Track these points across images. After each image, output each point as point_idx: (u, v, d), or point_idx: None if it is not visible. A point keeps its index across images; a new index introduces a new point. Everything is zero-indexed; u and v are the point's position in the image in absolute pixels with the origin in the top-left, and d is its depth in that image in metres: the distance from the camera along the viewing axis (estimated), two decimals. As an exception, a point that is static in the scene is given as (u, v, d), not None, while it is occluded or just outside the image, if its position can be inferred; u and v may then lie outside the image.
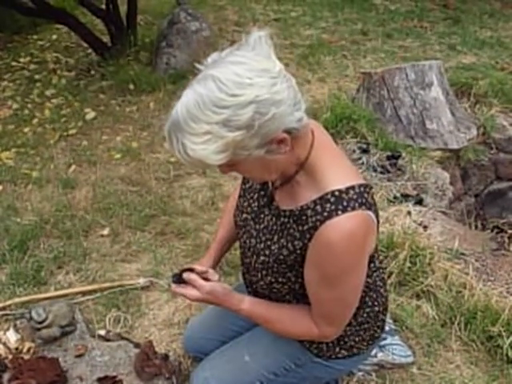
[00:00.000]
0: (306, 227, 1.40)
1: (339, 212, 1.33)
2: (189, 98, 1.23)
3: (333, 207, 1.34)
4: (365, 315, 1.67)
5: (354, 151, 3.71)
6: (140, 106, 4.75)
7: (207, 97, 1.20)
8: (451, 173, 3.87)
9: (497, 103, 4.49)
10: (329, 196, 1.36)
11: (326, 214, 1.34)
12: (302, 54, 5.69)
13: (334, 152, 1.50)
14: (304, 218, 1.40)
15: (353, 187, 1.37)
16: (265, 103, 1.20)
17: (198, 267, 1.62)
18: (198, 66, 1.29)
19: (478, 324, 2.30)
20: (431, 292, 2.49)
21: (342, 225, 1.33)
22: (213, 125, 1.21)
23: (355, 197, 1.35)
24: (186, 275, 1.57)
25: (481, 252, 2.91)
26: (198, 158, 1.25)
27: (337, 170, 1.42)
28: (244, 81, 1.20)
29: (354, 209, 1.33)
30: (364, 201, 1.36)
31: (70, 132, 4.32)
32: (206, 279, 1.59)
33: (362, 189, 1.38)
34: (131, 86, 5.03)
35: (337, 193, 1.35)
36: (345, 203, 1.34)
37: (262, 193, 1.60)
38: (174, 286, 1.61)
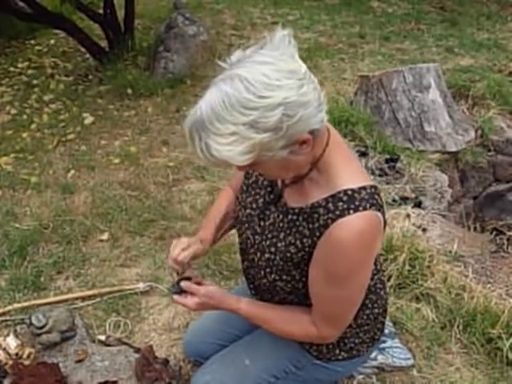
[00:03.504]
0: (316, 225, 1.40)
1: (351, 211, 1.33)
2: (214, 97, 1.21)
3: (345, 206, 1.34)
4: (365, 317, 1.67)
5: (352, 154, 3.71)
6: (138, 111, 4.76)
7: (234, 97, 1.18)
8: (450, 175, 3.88)
9: (494, 105, 4.51)
10: (341, 195, 1.36)
11: (338, 212, 1.34)
12: (300, 57, 5.67)
13: (345, 151, 1.50)
14: (315, 215, 1.40)
15: (364, 188, 1.37)
16: (293, 105, 1.20)
17: (194, 277, 1.63)
18: (221, 64, 1.26)
19: (477, 326, 2.30)
20: (431, 295, 2.49)
21: (353, 224, 1.33)
22: (239, 126, 1.19)
23: (367, 197, 1.35)
24: (183, 284, 1.59)
25: (480, 254, 2.92)
26: (222, 159, 1.23)
27: (349, 170, 1.42)
28: (272, 82, 1.19)
29: (365, 209, 1.34)
30: (375, 202, 1.36)
31: (69, 137, 4.32)
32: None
33: (372, 190, 1.38)
34: (129, 91, 5.03)
35: (349, 192, 1.36)
36: (357, 203, 1.34)
37: (269, 189, 1.60)
38: (175, 297, 1.62)
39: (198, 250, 1.68)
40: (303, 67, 1.26)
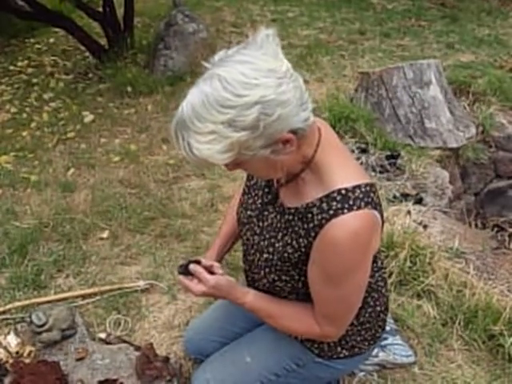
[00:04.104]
0: (311, 225, 1.39)
1: (345, 210, 1.32)
2: (194, 97, 1.22)
3: (339, 205, 1.33)
4: (366, 315, 1.66)
5: (353, 151, 3.71)
6: (138, 109, 4.76)
7: (212, 96, 1.19)
8: (450, 172, 3.87)
9: (495, 101, 4.50)
10: (335, 194, 1.35)
11: (331, 212, 1.34)
12: (300, 54, 5.69)
13: (340, 150, 1.50)
14: (309, 215, 1.40)
15: (359, 186, 1.36)
16: (270, 104, 1.19)
17: (203, 260, 1.63)
18: (204, 64, 1.27)
19: (479, 323, 2.29)
20: (432, 291, 2.48)
21: (348, 223, 1.33)
22: (218, 124, 1.20)
23: (361, 196, 1.35)
24: (192, 266, 1.57)
25: (481, 251, 2.91)
26: (202, 158, 1.24)
27: (343, 169, 1.42)
28: (250, 81, 1.19)
29: (359, 208, 1.33)
30: (370, 200, 1.35)
31: (69, 135, 4.33)
32: (212, 273, 1.60)
33: (368, 188, 1.37)
34: (129, 89, 5.03)
35: (343, 191, 1.35)
36: (351, 202, 1.33)
37: (267, 190, 1.60)
38: (180, 277, 1.60)
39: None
40: (285, 66, 1.24)
